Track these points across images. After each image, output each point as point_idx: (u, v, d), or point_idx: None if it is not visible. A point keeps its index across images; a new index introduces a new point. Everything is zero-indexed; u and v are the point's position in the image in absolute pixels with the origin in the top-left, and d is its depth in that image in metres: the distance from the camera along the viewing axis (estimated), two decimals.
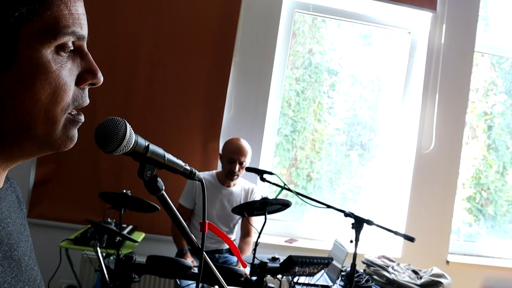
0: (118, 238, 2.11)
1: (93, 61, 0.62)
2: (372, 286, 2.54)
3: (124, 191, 2.12)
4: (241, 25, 3.18)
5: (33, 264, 0.65)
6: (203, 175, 2.86)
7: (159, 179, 0.81)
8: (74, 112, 0.61)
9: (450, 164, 3.42)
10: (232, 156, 2.71)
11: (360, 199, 3.72)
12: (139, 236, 2.84)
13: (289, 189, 2.22)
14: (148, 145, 0.76)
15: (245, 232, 2.88)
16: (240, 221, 2.89)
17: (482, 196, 3.85)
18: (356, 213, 2.08)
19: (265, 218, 2.13)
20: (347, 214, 2.07)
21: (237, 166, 2.71)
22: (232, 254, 2.83)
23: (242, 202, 2.82)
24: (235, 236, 2.93)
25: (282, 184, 2.26)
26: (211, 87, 3.16)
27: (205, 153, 3.13)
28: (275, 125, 3.43)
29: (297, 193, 2.20)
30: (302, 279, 2.28)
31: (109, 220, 2.50)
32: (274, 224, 3.34)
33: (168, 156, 0.81)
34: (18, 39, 0.54)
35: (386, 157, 3.63)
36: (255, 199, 2.83)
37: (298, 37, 3.64)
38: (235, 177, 2.75)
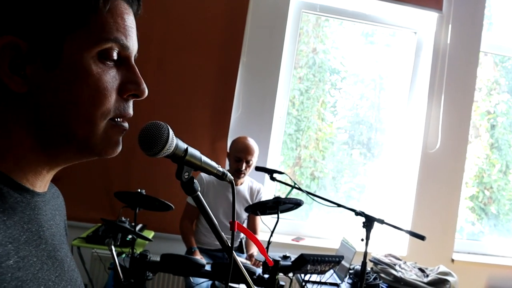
0: (130, 237, 2.13)
1: (139, 74, 0.64)
2: (380, 284, 2.57)
3: (139, 190, 2.14)
4: (248, 26, 3.20)
5: (74, 266, 0.68)
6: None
7: (195, 180, 0.83)
8: (118, 119, 0.62)
9: (455, 163, 3.45)
10: (239, 155, 2.74)
11: (364, 198, 3.74)
12: (149, 234, 2.87)
13: (299, 188, 2.25)
14: (187, 148, 0.79)
15: (252, 230, 2.92)
16: (246, 220, 2.92)
17: (485, 195, 3.88)
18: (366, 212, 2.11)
19: (278, 217, 2.16)
20: (357, 213, 2.10)
21: (244, 165, 2.74)
22: (241, 252, 2.86)
23: (248, 200, 2.86)
24: (242, 234, 2.96)
25: (292, 184, 2.29)
26: (219, 86, 3.18)
27: (213, 152, 3.16)
28: (282, 124, 3.45)
29: (308, 192, 2.23)
30: (312, 278, 2.30)
31: (123, 218, 2.52)
32: (281, 222, 3.33)
33: (204, 158, 0.83)
34: (64, 42, 0.57)
35: (392, 156, 3.66)
36: (261, 199, 2.88)
37: (302, 36, 3.66)
38: (242, 175, 2.78)
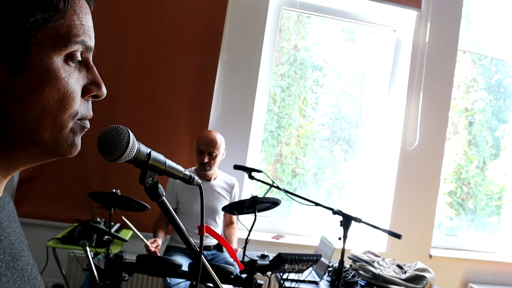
0: (107, 237, 2.10)
1: (98, 74, 0.63)
2: (358, 281, 2.58)
3: (114, 190, 2.11)
4: (228, 22, 3.17)
5: (36, 274, 0.65)
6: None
7: (159, 185, 0.81)
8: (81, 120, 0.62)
9: (433, 160, 3.49)
10: (201, 148, 2.74)
11: (345, 195, 3.77)
12: (127, 234, 2.83)
13: (277, 187, 2.24)
14: (150, 152, 0.77)
15: (229, 221, 2.97)
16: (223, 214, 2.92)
17: (462, 190, 3.94)
18: (344, 211, 2.11)
19: (255, 217, 2.15)
20: (335, 212, 2.10)
21: (206, 158, 2.72)
22: (220, 251, 2.85)
23: (225, 194, 2.87)
24: (221, 231, 2.94)
25: (270, 182, 2.28)
26: (199, 84, 3.15)
27: (192, 150, 3.12)
28: (262, 121, 3.44)
29: (285, 191, 2.22)
30: (291, 276, 2.31)
31: (98, 219, 2.48)
32: (261, 220, 3.36)
33: (169, 162, 0.81)
34: (31, 43, 0.55)
35: (371, 153, 3.69)
36: (236, 193, 2.92)
37: (283, 33, 3.65)
38: (207, 168, 2.76)
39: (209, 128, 3.15)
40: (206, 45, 3.15)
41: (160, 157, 0.79)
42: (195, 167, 2.92)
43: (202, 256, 0.95)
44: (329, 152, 3.81)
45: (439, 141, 3.49)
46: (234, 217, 2.95)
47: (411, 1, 3.38)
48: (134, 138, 0.73)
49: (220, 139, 2.79)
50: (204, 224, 0.95)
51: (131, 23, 3.05)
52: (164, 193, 0.83)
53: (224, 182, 2.91)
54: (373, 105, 3.73)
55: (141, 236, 2.18)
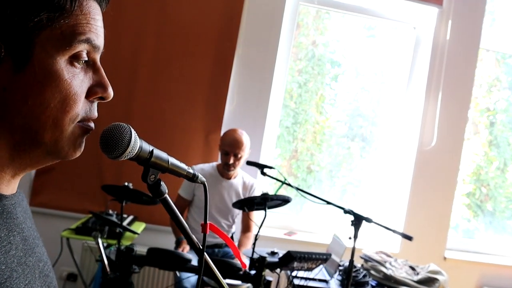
0: (118, 230, 2.13)
1: (105, 76, 0.63)
2: (369, 281, 2.56)
3: (126, 183, 2.13)
4: (244, 17, 3.16)
5: (48, 271, 0.66)
6: (204, 166, 2.88)
7: (162, 183, 0.82)
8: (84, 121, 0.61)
9: (451, 161, 3.42)
10: (227, 149, 2.69)
11: (360, 193, 3.73)
12: (140, 226, 2.86)
13: (289, 184, 2.23)
14: (152, 150, 0.77)
15: (246, 227, 2.89)
16: (240, 215, 2.90)
17: (481, 192, 3.86)
18: (355, 210, 2.09)
19: (265, 214, 2.14)
20: (346, 211, 2.08)
21: (232, 159, 2.68)
22: None
23: (241, 196, 2.81)
24: (234, 229, 2.94)
25: (282, 179, 2.27)
26: (214, 79, 3.15)
27: (207, 145, 3.14)
28: (277, 117, 3.43)
29: (297, 188, 2.21)
30: (300, 274, 2.30)
31: (110, 211, 2.52)
32: (273, 216, 3.36)
33: (172, 160, 0.81)
34: (35, 43, 0.55)
35: (387, 152, 3.64)
36: (254, 194, 2.85)
37: (302, 28, 3.62)
38: (231, 169, 2.73)
39: (224, 123, 3.14)
40: (222, 40, 3.15)
41: (163, 155, 0.79)
42: (216, 163, 2.90)
43: (205, 253, 0.95)
44: (345, 149, 3.77)
45: (457, 141, 3.42)
46: (251, 223, 2.87)
47: None
48: (137, 136, 0.73)
49: (245, 139, 2.73)
50: (208, 222, 0.95)
51: (147, 18, 3.07)
52: (167, 191, 0.83)
53: (243, 182, 2.87)
54: (391, 103, 3.67)
55: None
